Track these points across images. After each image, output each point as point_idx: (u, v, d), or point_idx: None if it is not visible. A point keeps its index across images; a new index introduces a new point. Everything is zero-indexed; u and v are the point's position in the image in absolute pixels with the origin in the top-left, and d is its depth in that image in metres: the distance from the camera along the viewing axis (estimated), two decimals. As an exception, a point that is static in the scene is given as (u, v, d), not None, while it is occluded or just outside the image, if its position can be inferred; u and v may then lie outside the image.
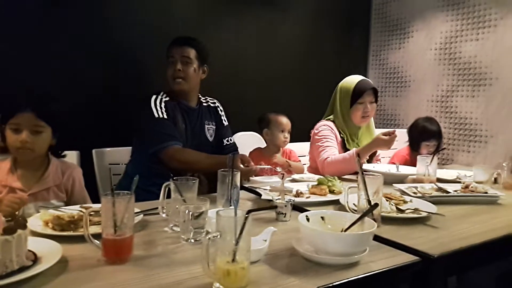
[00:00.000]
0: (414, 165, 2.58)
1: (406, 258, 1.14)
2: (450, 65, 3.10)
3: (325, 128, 2.37)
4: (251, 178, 2.17)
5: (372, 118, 2.45)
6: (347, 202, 1.45)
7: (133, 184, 1.14)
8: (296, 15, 3.41)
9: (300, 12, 3.43)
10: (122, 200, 1.06)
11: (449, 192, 1.79)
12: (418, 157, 2.14)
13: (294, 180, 2.09)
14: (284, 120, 2.34)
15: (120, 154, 2.29)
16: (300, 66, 3.47)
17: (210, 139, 2.16)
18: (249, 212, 0.93)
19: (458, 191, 1.82)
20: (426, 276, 1.16)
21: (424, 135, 2.75)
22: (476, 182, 1.97)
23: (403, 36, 3.46)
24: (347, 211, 1.43)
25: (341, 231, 1.18)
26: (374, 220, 1.33)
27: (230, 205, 1.43)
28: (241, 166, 1.69)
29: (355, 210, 1.44)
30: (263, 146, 2.45)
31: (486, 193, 1.78)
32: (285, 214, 1.45)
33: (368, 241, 1.10)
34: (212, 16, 2.99)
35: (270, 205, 1.36)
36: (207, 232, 1.14)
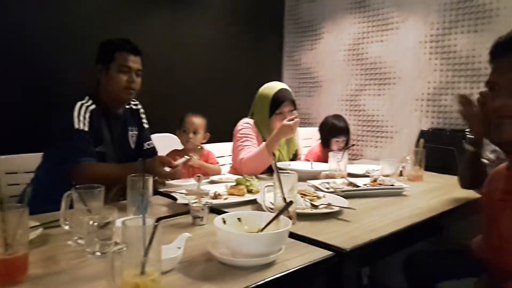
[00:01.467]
0: (327, 161, 2.70)
1: (320, 254, 1.16)
2: (358, 65, 3.28)
3: (247, 126, 2.37)
4: (166, 182, 2.09)
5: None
6: (264, 201, 1.44)
7: (25, 196, 1.02)
8: (213, 16, 3.38)
9: (217, 13, 3.41)
10: (13, 214, 0.94)
11: (359, 186, 1.88)
12: (330, 153, 2.22)
13: (212, 182, 2.05)
14: (191, 120, 2.26)
15: (20, 162, 2.07)
16: (220, 66, 3.45)
17: (133, 146, 2.04)
18: (159, 219, 0.87)
19: (367, 185, 1.91)
20: (340, 270, 1.19)
21: (333, 131, 2.88)
22: (384, 176, 2.10)
23: (315, 37, 3.59)
24: (264, 210, 1.43)
25: (258, 231, 1.17)
26: (290, 217, 1.34)
27: (143, 208, 1.35)
28: (164, 169, 1.62)
29: (272, 209, 1.44)
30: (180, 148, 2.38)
31: (393, 185, 1.89)
32: (202, 217, 1.41)
33: (283, 239, 1.09)
34: (127, 14, 2.84)
35: (182, 212, 1.31)
36: (116, 244, 1.06)
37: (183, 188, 1.78)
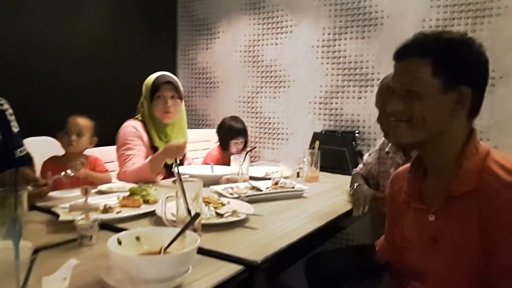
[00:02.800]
0: (226, 164, 2.63)
1: (231, 269, 1.07)
2: (254, 67, 3.27)
3: (129, 130, 2.19)
4: (53, 194, 1.80)
5: (184, 117, 2.36)
6: (164, 213, 1.30)
7: None
8: (101, 12, 3.08)
9: (106, 9, 3.11)
10: None
11: (262, 190, 1.83)
12: (232, 156, 2.15)
13: (100, 192, 1.82)
14: (74, 120, 1.99)
15: None
16: (109, 65, 3.15)
17: None
18: (37, 251, 0.69)
19: (270, 188, 1.88)
20: (252, 283, 1.11)
21: (231, 133, 2.83)
22: (284, 177, 2.09)
23: (210, 36, 3.50)
24: (166, 225, 1.29)
25: (160, 251, 1.03)
26: (195, 230, 1.23)
27: (14, 235, 1.11)
28: (28, 188, 1.36)
29: (174, 221, 1.31)
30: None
31: (294, 187, 1.89)
32: (91, 237, 1.21)
33: (190, 259, 0.97)
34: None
35: (68, 240, 1.11)
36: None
37: (66, 201, 1.54)
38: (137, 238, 1.05)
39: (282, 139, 3.16)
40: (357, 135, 2.75)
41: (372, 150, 1.97)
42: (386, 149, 1.80)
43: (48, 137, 2.20)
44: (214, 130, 3.28)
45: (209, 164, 2.75)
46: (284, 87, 3.13)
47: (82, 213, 1.27)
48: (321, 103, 2.96)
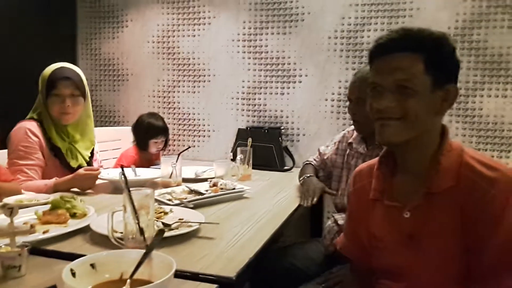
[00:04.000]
0: (144, 166, 2.42)
1: (206, 290, 0.94)
2: (169, 60, 3.05)
3: (21, 136, 1.86)
4: None
5: (90, 114, 2.08)
6: (112, 231, 1.10)
7: None
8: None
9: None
10: None
11: (203, 193, 1.70)
12: (162, 158, 1.96)
13: (6, 206, 1.49)
14: None
15: None
16: (2, 60, 2.67)
17: None
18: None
19: (209, 191, 1.75)
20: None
21: (151, 132, 2.60)
22: (217, 177, 1.98)
23: (117, 25, 3.17)
24: (116, 244, 1.09)
25: (121, 279, 0.86)
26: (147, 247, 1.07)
27: None
28: None
29: (121, 240, 1.12)
30: None
31: (234, 188, 1.79)
32: (20, 266, 0.97)
33: (168, 287, 0.82)
34: None
35: None
36: None
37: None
38: (92, 266, 0.86)
39: (203, 136, 3.01)
40: (282, 131, 2.74)
41: (330, 142, 1.99)
42: (350, 140, 1.81)
43: None
44: (125, 128, 3.01)
45: (124, 166, 2.50)
46: (204, 81, 2.98)
47: (5, 237, 1.02)
48: (244, 99, 2.88)
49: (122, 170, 1.14)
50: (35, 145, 1.87)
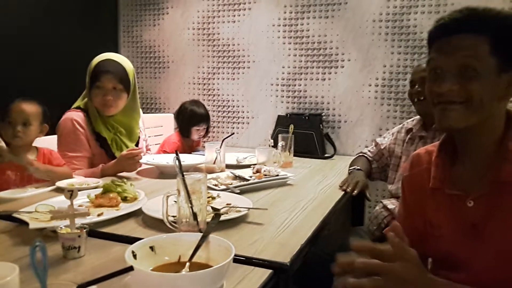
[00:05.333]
0: (186, 152, 2.45)
1: (260, 275, 0.93)
2: (209, 47, 3.05)
3: (68, 128, 1.90)
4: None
5: (137, 108, 2.09)
6: (167, 215, 1.11)
7: None
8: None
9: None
10: None
11: (248, 179, 1.70)
12: (206, 144, 1.97)
13: (61, 190, 1.54)
14: (19, 107, 1.65)
15: None
16: (48, 46, 2.75)
17: None
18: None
19: (253, 177, 1.75)
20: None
21: (193, 119, 2.63)
22: (259, 164, 1.97)
23: (158, 12, 3.20)
24: (170, 227, 1.11)
25: (179, 261, 0.86)
26: (200, 231, 1.07)
27: None
28: None
29: (175, 223, 1.13)
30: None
31: (278, 175, 1.77)
32: (79, 247, 1.00)
33: (227, 271, 0.82)
34: None
35: (120, 270, 0.74)
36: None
37: (24, 204, 1.29)
38: (151, 248, 0.87)
39: (243, 123, 3.01)
40: (323, 117, 2.70)
41: (387, 134, 2.01)
42: (409, 126, 1.84)
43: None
44: (166, 115, 3.05)
45: (167, 152, 2.54)
46: (244, 67, 2.97)
47: (65, 218, 1.05)
48: (283, 85, 2.85)
49: (177, 155, 1.14)
50: (82, 136, 1.91)
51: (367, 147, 2.10)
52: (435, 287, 0.85)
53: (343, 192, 1.68)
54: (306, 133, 2.59)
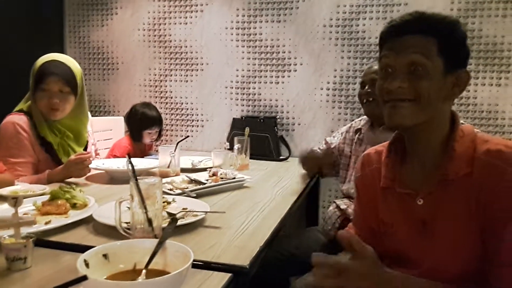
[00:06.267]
0: (137, 156, 2.38)
1: (220, 279, 0.92)
2: (161, 48, 2.99)
3: (10, 132, 1.79)
4: None
5: (85, 111, 2.00)
6: (120, 221, 1.07)
7: None
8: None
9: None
10: None
11: (204, 183, 1.67)
12: (160, 147, 1.93)
13: (2, 198, 1.44)
14: None
15: None
16: None
17: None
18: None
19: (210, 180, 1.73)
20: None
21: (145, 122, 2.56)
22: (215, 167, 1.96)
23: (106, 12, 3.09)
24: (123, 234, 1.07)
25: (134, 269, 0.83)
26: (156, 237, 1.04)
27: None
28: None
29: (129, 230, 1.09)
30: None
31: (235, 178, 1.77)
32: (25, 258, 0.93)
33: (185, 277, 0.80)
34: None
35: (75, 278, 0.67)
36: None
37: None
38: (105, 256, 0.84)
39: (197, 125, 2.97)
40: (278, 120, 2.72)
41: (336, 133, 2.05)
42: (358, 127, 1.88)
43: None
44: (116, 118, 2.95)
45: (117, 156, 2.46)
46: (197, 70, 2.93)
47: (8, 228, 0.98)
48: (238, 88, 2.85)
49: (129, 159, 1.10)
50: (25, 141, 1.80)
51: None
52: (393, 280, 0.89)
53: (298, 194, 1.70)
54: (261, 136, 2.61)
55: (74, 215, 1.26)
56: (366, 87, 1.79)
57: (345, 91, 2.65)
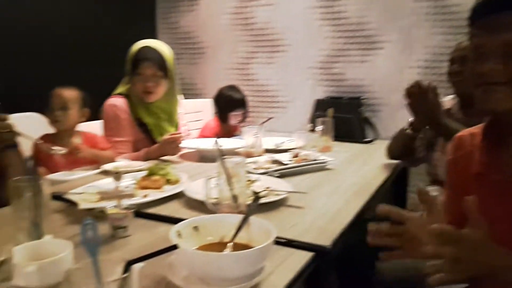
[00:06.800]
0: (224, 137, 2.47)
1: (302, 258, 0.94)
2: (245, 31, 3.05)
3: (111, 114, 1.97)
4: (47, 177, 1.59)
5: (175, 94, 2.12)
6: (208, 197, 1.14)
7: None
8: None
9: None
10: None
11: (286, 164, 1.70)
12: (244, 129, 1.99)
13: (106, 172, 1.61)
14: (57, 93, 1.73)
15: None
16: (90, 35, 2.83)
17: None
18: (131, 264, 0.52)
19: (292, 161, 1.75)
20: (324, 271, 0.99)
21: (230, 105, 2.64)
22: (297, 148, 1.97)
23: (194, -2, 3.23)
24: (211, 210, 1.14)
25: (221, 242, 0.88)
26: (241, 213, 1.09)
27: (39, 231, 0.92)
28: None
29: (216, 205, 1.15)
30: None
31: (316, 159, 1.77)
32: (126, 227, 1.04)
33: (269, 252, 0.83)
34: None
35: (167, 247, 0.70)
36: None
37: (74, 186, 1.35)
38: (195, 228, 0.90)
39: (280, 107, 3.00)
40: (363, 101, 2.65)
41: None
42: (447, 107, 1.76)
43: (35, 113, 1.93)
44: (204, 100, 3.08)
45: (207, 136, 2.58)
46: (280, 51, 2.95)
47: (112, 199, 1.10)
48: (321, 68, 2.81)
49: (217, 140, 1.16)
50: (124, 122, 1.97)
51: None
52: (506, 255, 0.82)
53: (384, 177, 1.65)
54: (345, 117, 2.55)
55: (168, 190, 1.36)
56: (455, 65, 1.66)
57: (438, 69, 2.48)
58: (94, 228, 0.58)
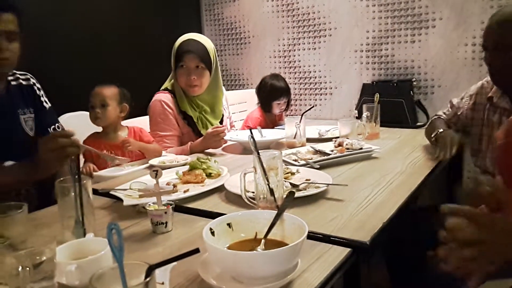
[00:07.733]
0: (268, 127, 2.46)
1: (338, 254, 0.92)
2: (289, 17, 3.00)
3: (158, 109, 2.02)
4: (96, 173, 1.67)
5: (219, 85, 2.14)
6: (245, 192, 1.14)
7: None
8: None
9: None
10: None
11: (329, 154, 1.66)
12: (286, 118, 1.96)
13: (151, 166, 1.66)
14: (96, 91, 1.80)
15: None
16: (134, 31, 2.92)
17: (31, 133, 1.54)
18: (152, 269, 0.53)
19: (335, 151, 1.70)
20: (361, 269, 0.96)
21: (273, 94, 2.62)
22: (342, 136, 1.91)
23: (237, -13, 3.22)
24: (249, 204, 1.14)
25: (255, 238, 0.88)
26: (278, 207, 1.08)
27: (83, 229, 0.97)
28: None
29: (253, 199, 1.15)
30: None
31: (361, 148, 1.71)
32: (166, 223, 1.07)
33: (301, 249, 0.82)
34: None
35: (191, 251, 0.68)
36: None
37: (119, 182, 1.41)
38: (229, 225, 0.90)
39: (325, 93, 2.94)
40: (414, 83, 2.51)
41: (465, 94, 1.78)
42: (490, 94, 1.60)
43: (85, 112, 2.03)
44: (249, 91, 3.09)
45: (250, 127, 2.58)
46: (325, 36, 2.87)
47: (151, 195, 1.13)
48: (368, 51, 2.71)
49: (251, 132, 1.15)
50: (170, 116, 2.02)
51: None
52: None
53: (434, 166, 1.56)
54: (395, 101, 2.45)
55: (209, 184, 1.38)
56: (487, 52, 1.50)
57: (497, 45, 2.29)
58: (119, 232, 0.60)
